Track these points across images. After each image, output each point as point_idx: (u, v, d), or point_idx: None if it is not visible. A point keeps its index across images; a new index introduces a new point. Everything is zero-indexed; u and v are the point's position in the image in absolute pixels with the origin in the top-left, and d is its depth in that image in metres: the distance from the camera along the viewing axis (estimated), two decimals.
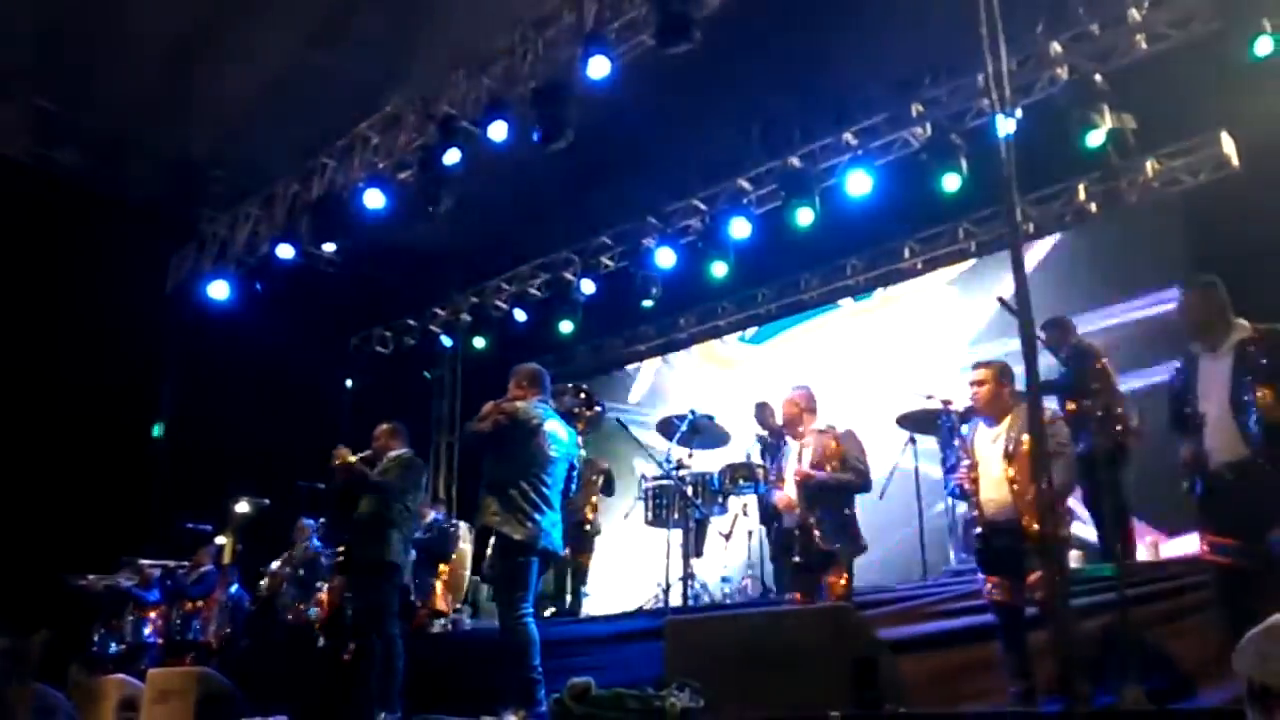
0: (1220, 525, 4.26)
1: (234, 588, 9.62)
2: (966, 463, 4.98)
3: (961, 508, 5.88)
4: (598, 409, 8.66)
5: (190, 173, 10.58)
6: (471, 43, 8.32)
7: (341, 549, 7.45)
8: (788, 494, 5.88)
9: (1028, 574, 4.52)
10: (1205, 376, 4.42)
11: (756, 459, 8.19)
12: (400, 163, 8.87)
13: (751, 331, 11.89)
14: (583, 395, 8.47)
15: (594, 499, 8.38)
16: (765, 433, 8.19)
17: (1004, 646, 4.79)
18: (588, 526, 8.38)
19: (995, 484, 4.80)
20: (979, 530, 4.87)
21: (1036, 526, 4.51)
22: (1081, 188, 9.49)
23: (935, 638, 5.54)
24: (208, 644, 9.24)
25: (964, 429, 5.23)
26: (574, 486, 5.84)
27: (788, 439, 6.20)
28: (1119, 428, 6.10)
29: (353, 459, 6.32)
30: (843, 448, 5.80)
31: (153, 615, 9.67)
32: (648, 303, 10.28)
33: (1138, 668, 4.28)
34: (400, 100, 8.82)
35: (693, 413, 8.34)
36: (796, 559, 5.77)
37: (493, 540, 5.33)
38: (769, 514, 7.54)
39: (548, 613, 7.97)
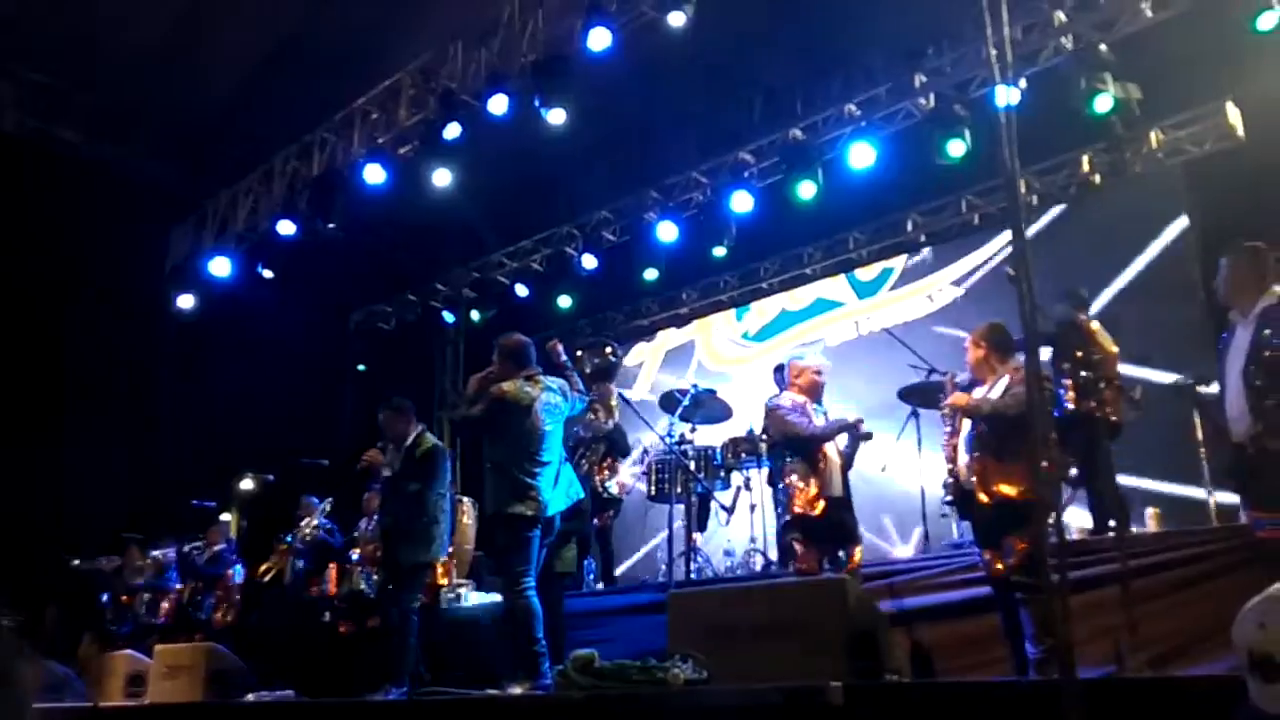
0: (1256, 500, 4.19)
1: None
2: (947, 430, 5.00)
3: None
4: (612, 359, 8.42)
5: (190, 148, 10.52)
6: (470, 14, 8.24)
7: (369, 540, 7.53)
8: None
9: (1003, 542, 4.54)
10: (1235, 345, 4.30)
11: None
12: (400, 137, 8.80)
13: (756, 329, 11.81)
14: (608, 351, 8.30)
15: (604, 464, 8.05)
16: None
17: (1003, 618, 4.81)
18: (602, 493, 7.98)
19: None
20: (949, 499, 4.92)
21: (983, 497, 4.56)
22: (1085, 159, 9.41)
23: (937, 609, 5.58)
24: (217, 620, 9.29)
25: None
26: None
27: None
28: (1110, 397, 6.07)
29: (385, 468, 6.29)
30: None
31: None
32: (651, 273, 10.17)
33: (1136, 637, 4.30)
34: (399, 74, 8.74)
35: (694, 387, 8.32)
36: None
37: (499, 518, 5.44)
38: None
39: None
